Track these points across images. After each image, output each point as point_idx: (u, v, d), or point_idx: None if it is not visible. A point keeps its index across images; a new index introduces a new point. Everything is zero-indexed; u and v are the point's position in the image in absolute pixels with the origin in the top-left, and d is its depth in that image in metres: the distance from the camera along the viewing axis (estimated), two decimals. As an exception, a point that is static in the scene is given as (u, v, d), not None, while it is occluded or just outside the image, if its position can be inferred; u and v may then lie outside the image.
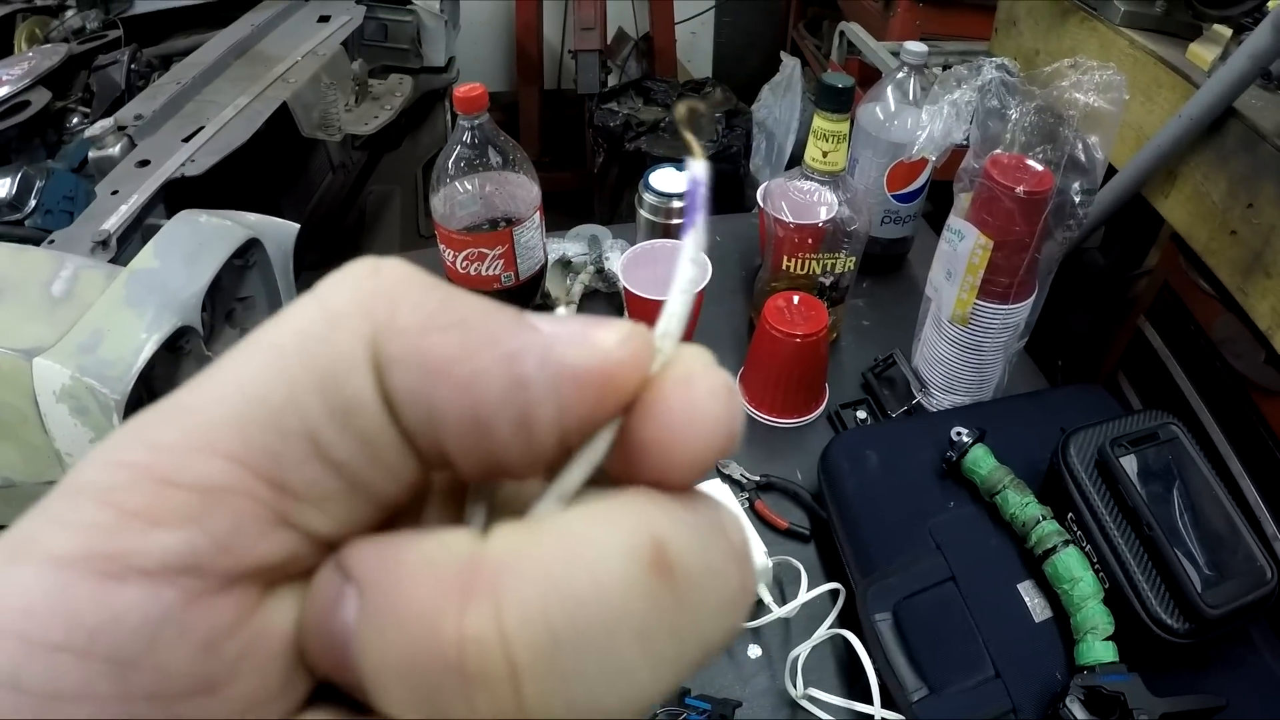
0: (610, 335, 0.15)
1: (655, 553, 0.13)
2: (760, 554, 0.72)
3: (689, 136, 0.18)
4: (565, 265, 1.10)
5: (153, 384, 1.08)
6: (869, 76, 1.90)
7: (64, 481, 0.13)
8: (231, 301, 1.25)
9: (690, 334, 0.98)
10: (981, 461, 0.75)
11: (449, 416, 0.13)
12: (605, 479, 0.15)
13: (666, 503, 0.15)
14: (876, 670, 0.66)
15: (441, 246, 0.86)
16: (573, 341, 0.14)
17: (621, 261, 0.94)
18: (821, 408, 0.95)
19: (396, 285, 0.14)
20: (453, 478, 0.17)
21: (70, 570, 0.12)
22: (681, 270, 0.17)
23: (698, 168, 0.17)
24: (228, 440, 0.13)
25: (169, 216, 1.15)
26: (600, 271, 1.07)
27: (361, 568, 0.13)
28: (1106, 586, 0.66)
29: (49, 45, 1.52)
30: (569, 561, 0.13)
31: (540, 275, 0.93)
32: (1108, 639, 0.64)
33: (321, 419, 0.13)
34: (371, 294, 0.14)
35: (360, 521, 0.14)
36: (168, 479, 0.13)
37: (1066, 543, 0.68)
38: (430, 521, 0.16)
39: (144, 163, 1.22)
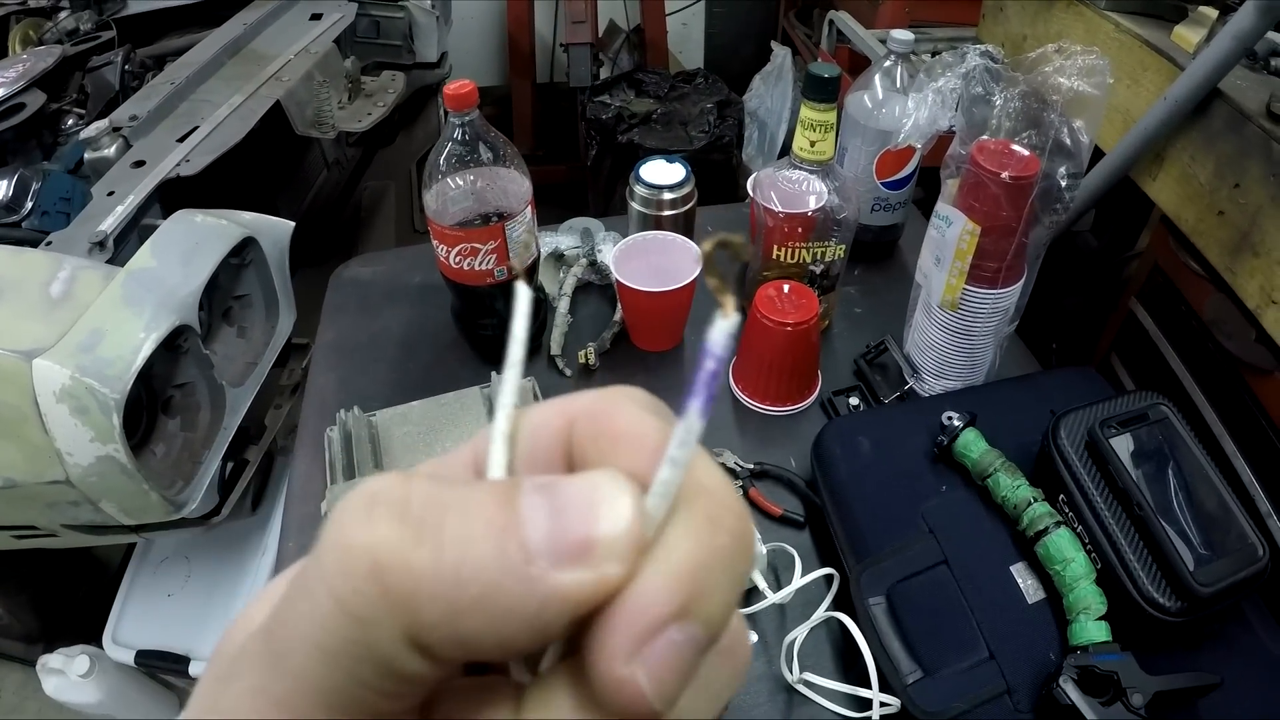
0: (610, 555, 0.17)
1: None
2: (755, 541, 0.73)
3: (714, 281, 0.17)
4: (558, 258, 1.10)
5: (152, 383, 1.09)
6: (859, 65, 1.90)
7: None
8: (228, 299, 1.25)
9: (683, 327, 1.00)
10: (973, 445, 0.76)
11: (485, 652, 0.17)
12: None
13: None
14: (871, 653, 0.67)
15: (434, 242, 0.87)
16: (575, 571, 0.17)
17: (614, 254, 0.94)
18: (814, 395, 0.96)
19: (413, 587, 0.16)
20: None
21: None
22: (670, 452, 0.17)
23: (721, 330, 0.16)
24: (321, 699, 0.17)
25: (165, 216, 1.16)
26: (593, 264, 1.08)
27: None
28: (1099, 567, 0.67)
29: (43, 47, 1.52)
30: None
31: (533, 269, 0.94)
32: (1100, 619, 0.64)
33: (383, 682, 0.17)
34: (395, 600, 0.16)
35: (419, 701, 0.18)
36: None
37: (1058, 524, 0.69)
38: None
39: (139, 163, 1.23)
